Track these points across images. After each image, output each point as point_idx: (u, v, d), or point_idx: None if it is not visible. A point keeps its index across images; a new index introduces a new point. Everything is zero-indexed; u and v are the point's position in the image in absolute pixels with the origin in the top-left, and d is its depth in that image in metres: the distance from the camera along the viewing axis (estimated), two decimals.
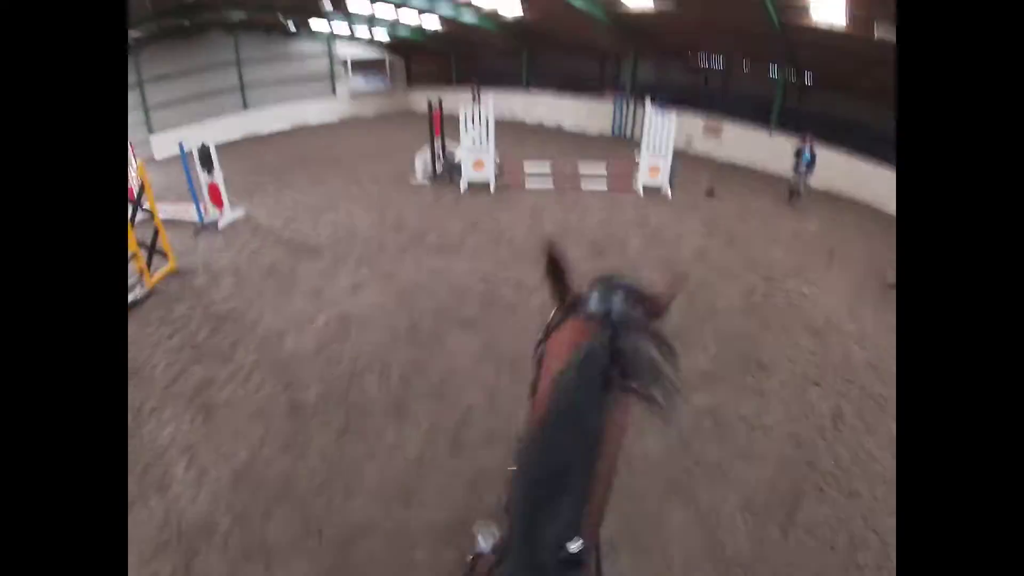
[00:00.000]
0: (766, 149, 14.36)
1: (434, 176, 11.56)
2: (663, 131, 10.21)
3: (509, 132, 15.43)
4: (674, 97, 15.98)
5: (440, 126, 10.95)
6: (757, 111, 15.59)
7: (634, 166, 10.76)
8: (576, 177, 11.02)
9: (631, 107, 16.38)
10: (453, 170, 11.37)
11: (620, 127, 17.01)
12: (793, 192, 11.12)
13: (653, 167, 10.34)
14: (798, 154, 10.88)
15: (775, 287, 7.44)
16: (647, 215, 9.75)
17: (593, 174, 11.16)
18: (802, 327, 6.41)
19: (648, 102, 11.22)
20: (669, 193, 10.68)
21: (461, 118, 10.16)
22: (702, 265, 7.88)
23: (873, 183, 12.92)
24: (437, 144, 11.26)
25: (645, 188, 10.82)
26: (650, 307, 1.04)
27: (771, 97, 14.73)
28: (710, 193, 11.08)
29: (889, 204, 13.74)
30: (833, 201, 11.68)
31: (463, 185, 10.98)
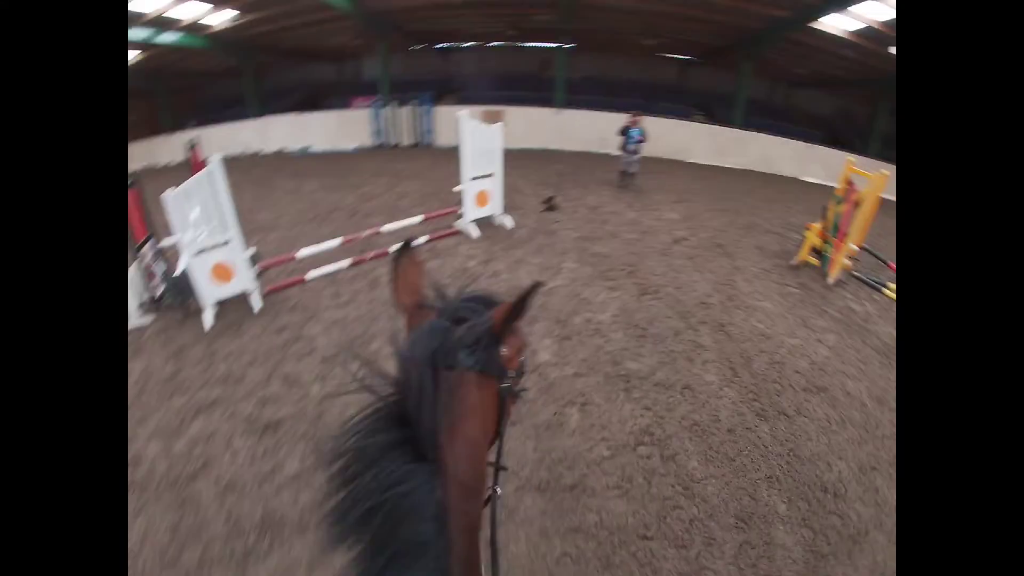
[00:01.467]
0: (555, 128, 12.98)
1: (156, 306, 5.75)
2: (488, 143, 7.11)
3: (248, 178, 11.31)
4: (437, 91, 13.72)
5: (142, 214, 5.39)
6: (536, 89, 14.19)
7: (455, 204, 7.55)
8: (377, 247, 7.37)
9: (391, 110, 13.43)
10: (180, 290, 5.57)
11: (383, 135, 13.99)
12: (624, 173, 9.66)
13: (481, 193, 7.48)
14: (624, 132, 9.36)
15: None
16: (491, 262, 6.75)
17: (403, 228, 7.20)
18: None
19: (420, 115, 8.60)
20: (508, 221, 7.78)
21: (170, 198, 4.75)
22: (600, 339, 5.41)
23: (683, 139, 12.58)
24: (150, 248, 5.50)
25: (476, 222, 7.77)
26: (495, 312, 0.97)
27: (548, 74, 13.40)
28: (550, 206, 8.64)
29: (710, 157, 13.76)
30: (664, 168, 10.71)
31: (206, 317, 5.48)
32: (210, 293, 5.49)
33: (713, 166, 13.72)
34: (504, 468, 1.08)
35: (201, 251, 5.24)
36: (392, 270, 1.14)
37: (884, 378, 5.06)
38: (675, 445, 3.94)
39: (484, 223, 7.49)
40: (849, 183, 7.22)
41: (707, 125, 14.29)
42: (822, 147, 14.20)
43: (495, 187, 7.20)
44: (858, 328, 6.37)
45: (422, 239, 6.82)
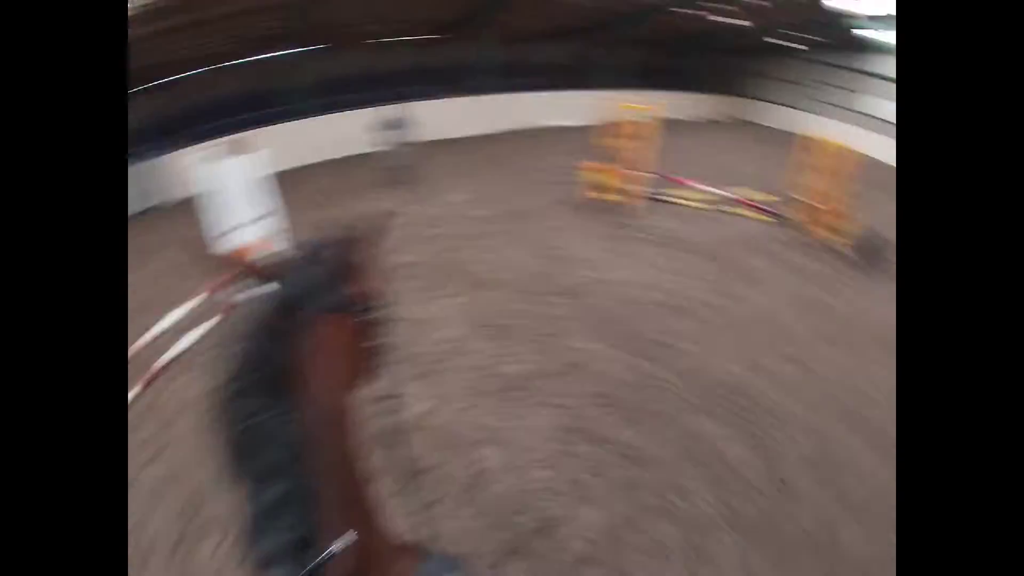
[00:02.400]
0: (313, 140, 11.69)
1: None
2: (241, 183, 4.98)
3: None
4: (168, 134, 11.33)
5: None
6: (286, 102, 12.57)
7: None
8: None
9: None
10: None
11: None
12: (398, 168, 8.91)
13: (255, 244, 5.58)
14: (396, 126, 8.57)
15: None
16: None
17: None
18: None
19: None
20: None
21: None
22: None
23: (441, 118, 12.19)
24: None
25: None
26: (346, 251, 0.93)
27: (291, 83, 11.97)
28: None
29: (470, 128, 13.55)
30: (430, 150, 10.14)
31: None
32: None
33: (475, 136, 13.70)
34: (396, 396, 1.04)
35: None
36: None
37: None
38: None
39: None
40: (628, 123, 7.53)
41: (446, 101, 14.19)
42: (567, 91, 15.11)
43: (277, 226, 5.51)
44: (676, 241, 6.78)
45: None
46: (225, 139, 10.74)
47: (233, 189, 4.97)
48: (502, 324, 4.94)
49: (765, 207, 8.09)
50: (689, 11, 14.23)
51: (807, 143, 7.59)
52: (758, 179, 9.61)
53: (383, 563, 0.78)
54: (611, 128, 7.77)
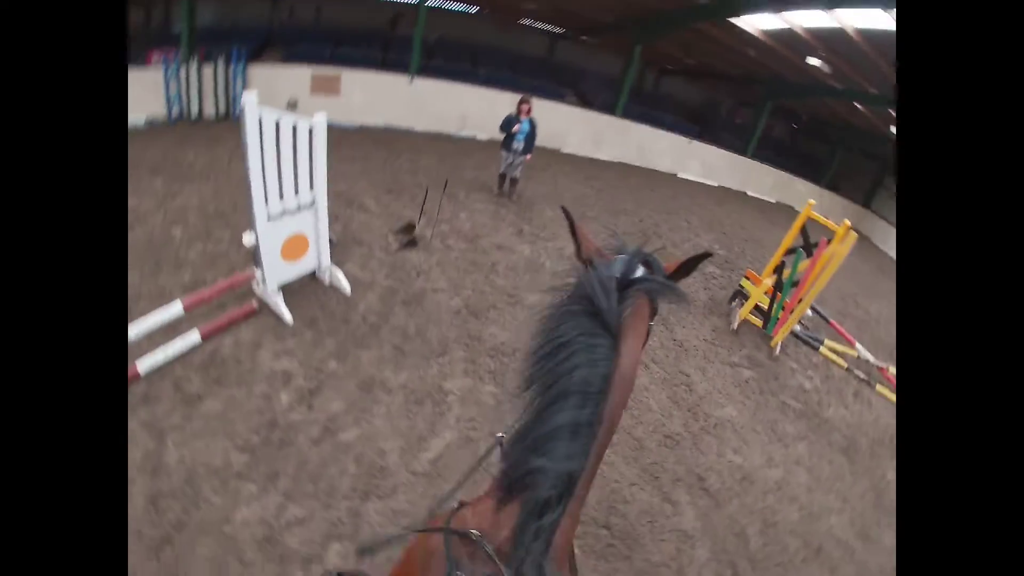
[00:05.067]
0: (407, 102, 9.91)
1: None
2: (300, 150, 3.67)
3: None
4: (257, 43, 9.74)
5: None
6: (384, 49, 10.85)
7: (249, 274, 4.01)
8: None
9: (193, 69, 8.77)
10: None
11: (181, 106, 9.07)
12: (504, 178, 7.13)
13: (294, 241, 3.99)
14: (508, 126, 6.74)
15: None
16: (319, 393, 3.46)
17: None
18: None
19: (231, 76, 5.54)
20: (342, 281, 4.46)
21: None
22: None
23: (557, 124, 10.45)
24: None
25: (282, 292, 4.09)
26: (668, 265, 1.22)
27: (399, 31, 10.20)
28: (409, 240, 5.31)
29: (586, 147, 11.72)
30: (542, 161, 8.37)
31: None
32: None
33: (592, 159, 11.82)
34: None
35: None
36: (572, 234, 1.31)
37: (860, 498, 4.31)
38: None
39: (301, 287, 4.37)
40: (803, 232, 5.59)
41: (581, 110, 12.27)
42: (698, 143, 13.14)
43: (316, 225, 4.09)
44: (819, 423, 5.05)
45: (191, 338, 3.50)
46: (315, 69, 9.21)
47: (281, 159, 3.60)
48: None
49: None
50: (857, 106, 12.15)
51: None
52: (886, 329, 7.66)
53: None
54: (789, 240, 5.82)
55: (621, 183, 10.44)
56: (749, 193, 14.15)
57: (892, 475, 4.73)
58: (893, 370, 6.22)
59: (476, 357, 4.14)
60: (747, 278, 6.49)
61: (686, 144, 12.94)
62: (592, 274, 1.06)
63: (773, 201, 14.49)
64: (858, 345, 6.39)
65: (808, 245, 5.60)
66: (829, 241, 5.32)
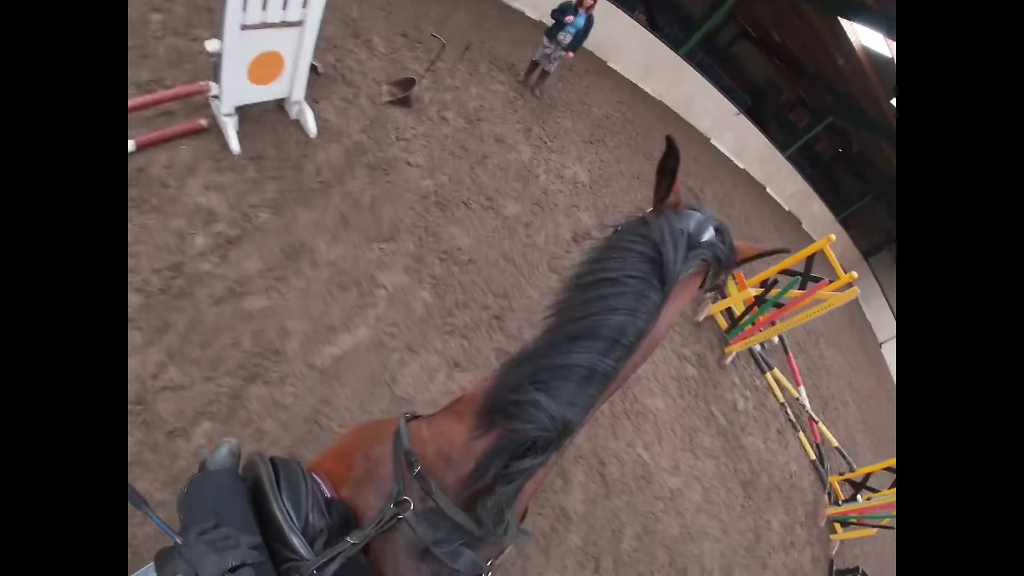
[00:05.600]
0: None
1: None
2: None
3: None
4: None
5: None
6: None
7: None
8: None
9: None
10: None
11: None
12: (536, 67, 6.20)
13: (265, 58, 3.04)
14: (562, 14, 5.71)
15: None
16: (235, 246, 2.83)
17: None
18: None
19: None
20: (309, 120, 3.59)
21: None
22: None
23: (614, 34, 9.38)
24: None
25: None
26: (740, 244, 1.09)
27: None
28: (403, 97, 4.36)
29: (636, 72, 10.55)
30: (582, 67, 7.45)
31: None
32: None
33: (634, 86, 10.73)
34: None
35: None
36: (668, 174, 1.08)
37: (740, 535, 4.24)
38: None
39: (262, 113, 3.50)
40: (808, 261, 5.14)
41: (645, 31, 10.96)
42: (744, 118, 12.18)
43: (298, 48, 3.24)
44: (735, 447, 4.96)
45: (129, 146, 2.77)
46: None
47: None
48: None
49: (821, 452, 6.10)
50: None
51: None
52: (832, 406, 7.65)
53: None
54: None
55: (653, 124, 9.54)
56: (768, 191, 13.51)
57: (775, 524, 4.73)
58: (821, 427, 6.15)
59: (424, 255, 3.60)
60: (732, 276, 6.09)
61: (732, 114, 11.95)
62: (666, 220, 0.95)
63: (787, 209, 13.94)
64: (802, 388, 6.26)
65: (807, 275, 5.19)
66: (830, 282, 4.92)
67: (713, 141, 12.32)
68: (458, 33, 5.82)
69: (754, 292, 5.41)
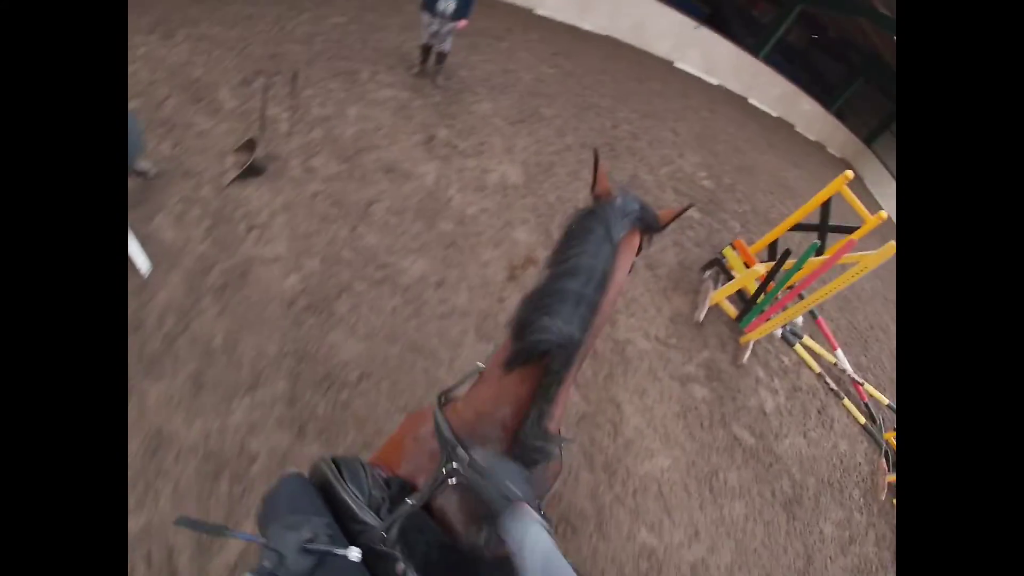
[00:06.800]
0: None
1: None
2: None
3: None
4: None
5: None
6: None
7: None
8: None
9: None
10: None
11: None
12: (429, 51, 5.01)
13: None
14: None
15: None
16: None
17: None
18: None
19: None
20: (138, 259, 2.69)
21: None
22: None
23: None
24: None
25: None
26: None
27: None
28: (250, 166, 3.31)
29: (569, 12, 9.12)
30: (496, 23, 6.16)
31: None
32: None
33: (572, 28, 9.33)
34: None
35: None
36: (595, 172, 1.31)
37: (786, 569, 3.46)
38: None
39: None
40: (824, 210, 4.06)
41: None
42: (706, 29, 10.70)
43: None
44: (770, 463, 4.07)
45: None
46: None
47: None
48: None
49: (872, 412, 5.19)
50: (887, 34, 9.92)
51: None
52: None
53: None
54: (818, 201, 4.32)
55: (601, 66, 8.22)
56: (750, 101, 12.08)
57: (829, 529, 3.89)
58: (868, 388, 5.18)
59: (300, 393, 2.62)
60: (733, 247, 5.01)
61: (691, 28, 10.48)
62: (604, 203, 1.15)
63: (775, 115, 12.52)
64: (839, 351, 5.24)
65: (824, 231, 4.11)
66: (855, 235, 3.84)
67: (678, 64, 10.91)
68: (332, 41, 4.65)
69: (762, 268, 4.34)
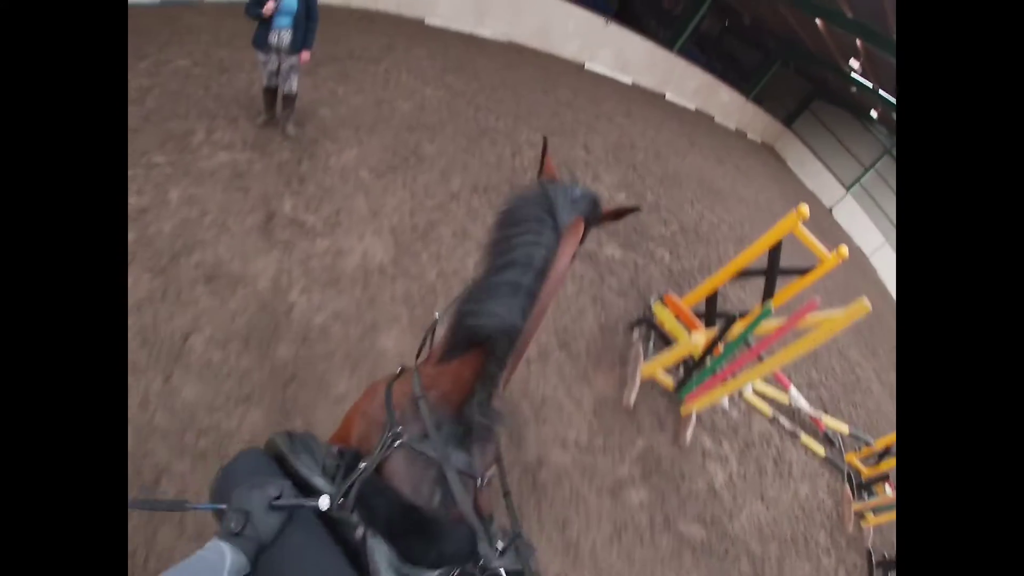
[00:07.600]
0: None
1: None
2: None
3: None
4: None
5: None
6: None
7: None
8: None
9: None
10: None
11: None
12: (273, 94, 4.01)
13: None
14: (256, 3, 3.49)
15: None
16: None
17: None
18: None
19: None
20: None
21: None
22: None
23: None
24: None
25: None
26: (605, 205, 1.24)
27: None
28: None
29: (462, 20, 8.19)
30: (368, 41, 5.22)
31: None
32: None
33: (468, 37, 8.44)
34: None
35: None
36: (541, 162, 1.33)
37: None
38: None
39: None
40: (773, 256, 3.40)
41: None
42: (616, 26, 10.08)
43: None
44: (724, 550, 3.55)
45: None
46: None
47: None
48: None
49: (829, 436, 4.81)
50: (807, 16, 9.61)
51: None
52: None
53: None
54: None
55: (500, 79, 7.38)
56: (668, 97, 11.59)
57: None
58: (826, 420, 4.66)
59: None
60: (663, 302, 4.30)
61: (601, 27, 9.82)
62: (550, 184, 1.13)
63: (693, 108, 12.11)
64: (792, 389, 4.65)
65: (772, 281, 3.45)
66: (812, 276, 3.18)
67: (589, 65, 10.23)
68: (172, 89, 3.57)
69: (701, 338, 3.62)
